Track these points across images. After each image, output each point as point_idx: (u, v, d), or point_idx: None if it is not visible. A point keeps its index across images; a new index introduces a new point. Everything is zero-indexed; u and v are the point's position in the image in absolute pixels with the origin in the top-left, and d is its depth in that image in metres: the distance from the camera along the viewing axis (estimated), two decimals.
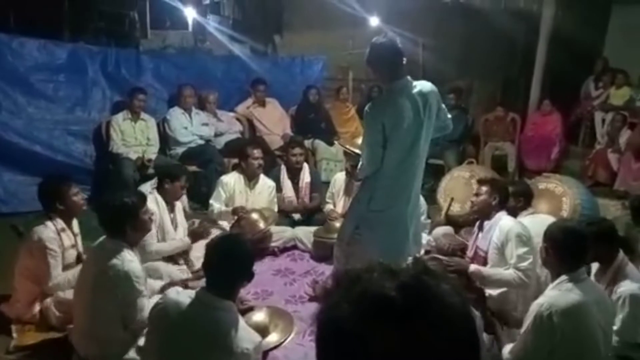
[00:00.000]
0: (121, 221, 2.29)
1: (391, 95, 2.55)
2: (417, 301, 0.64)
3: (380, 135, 2.52)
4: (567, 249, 2.10)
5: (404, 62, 2.54)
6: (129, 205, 2.31)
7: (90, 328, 2.27)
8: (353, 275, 0.69)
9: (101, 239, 2.38)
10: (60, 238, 2.63)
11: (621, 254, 2.48)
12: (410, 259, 2.59)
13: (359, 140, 2.94)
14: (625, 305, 2.33)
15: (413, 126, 2.54)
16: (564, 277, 2.08)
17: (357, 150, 2.95)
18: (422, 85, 2.60)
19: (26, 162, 4.46)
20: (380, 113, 2.52)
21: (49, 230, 2.58)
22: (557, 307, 1.99)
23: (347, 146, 3.48)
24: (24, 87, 4.55)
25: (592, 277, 2.52)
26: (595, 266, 2.58)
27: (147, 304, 2.23)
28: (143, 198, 2.49)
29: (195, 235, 3.37)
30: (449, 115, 2.85)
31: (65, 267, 2.65)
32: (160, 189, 3.29)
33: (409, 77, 2.58)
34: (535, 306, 2.06)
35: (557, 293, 2.07)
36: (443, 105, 2.75)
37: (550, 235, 2.17)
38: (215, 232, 3.52)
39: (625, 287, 2.36)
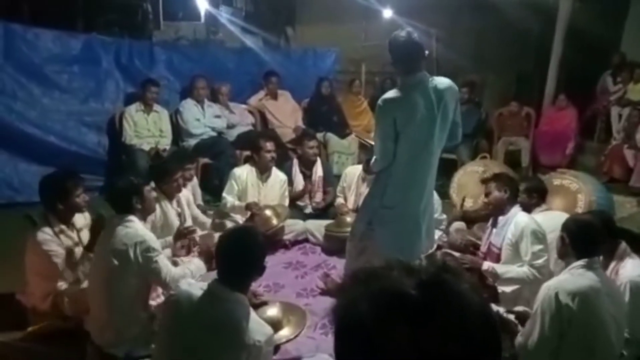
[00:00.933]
0: (128, 195, 2.41)
1: (405, 89, 2.52)
2: (437, 299, 0.63)
3: (392, 129, 2.50)
4: (581, 239, 2.18)
5: (424, 56, 2.51)
6: (133, 182, 2.48)
7: (107, 314, 2.31)
8: (371, 272, 0.69)
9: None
10: (59, 239, 2.60)
11: (623, 244, 2.49)
12: (423, 256, 2.57)
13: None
14: (625, 292, 2.32)
15: (426, 122, 2.51)
16: (576, 263, 2.15)
17: (373, 142, 2.95)
18: (439, 81, 2.56)
19: (41, 152, 4.51)
20: (392, 107, 2.49)
21: (44, 234, 2.55)
22: (565, 288, 2.03)
23: (364, 138, 3.46)
24: (38, 78, 4.59)
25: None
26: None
27: (168, 263, 2.33)
28: (147, 179, 2.66)
29: (180, 235, 3.14)
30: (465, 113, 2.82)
31: (76, 265, 2.63)
32: (159, 189, 3.22)
33: (426, 72, 2.55)
34: (544, 288, 2.11)
35: (567, 276, 2.14)
36: (459, 108, 2.70)
37: (566, 226, 2.28)
38: (228, 226, 3.54)
39: (626, 274, 2.36)
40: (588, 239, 2.19)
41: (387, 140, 2.55)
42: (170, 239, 3.09)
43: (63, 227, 2.65)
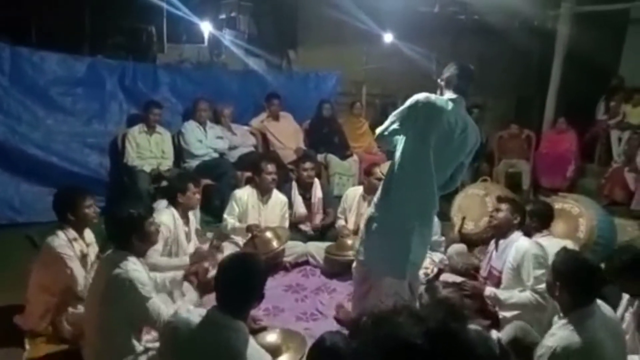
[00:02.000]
0: (127, 232, 2.29)
1: (442, 100, 2.54)
2: (444, 350, 0.63)
3: (409, 121, 2.50)
4: (579, 283, 1.99)
5: (467, 90, 2.59)
6: (134, 217, 2.31)
7: (101, 340, 2.26)
8: (379, 317, 0.69)
9: (109, 251, 2.39)
10: (72, 246, 2.65)
11: None
12: (423, 288, 2.50)
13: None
14: None
15: (442, 138, 2.49)
16: (573, 316, 1.98)
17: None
18: (469, 118, 2.62)
19: (43, 173, 4.53)
20: (423, 105, 2.48)
21: (59, 239, 2.61)
22: (567, 348, 1.89)
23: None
24: (43, 100, 4.64)
25: (621, 308, 2.42)
26: (625, 297, 2.44)
27: (161, 306, 2.23)
28: (149, 209, 2.49)
29: (199, 257, 3.18)
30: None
31: (87, 273, 2.65)
32: (175, 204, 3.27)
33: (463, 100, 2.58)
34: (545, 349, 1.94)
35: (567, 333, 1.95)
36: (472, 154, 2.71)
37: (560, 268, 2.05)
38: (228, 247, 3.53)
39: None
40: (587, 285, 1.99)
41: (397, 127, 2.54)
42: (180, 260, 3.11)
43: (76, 235, 2.71)
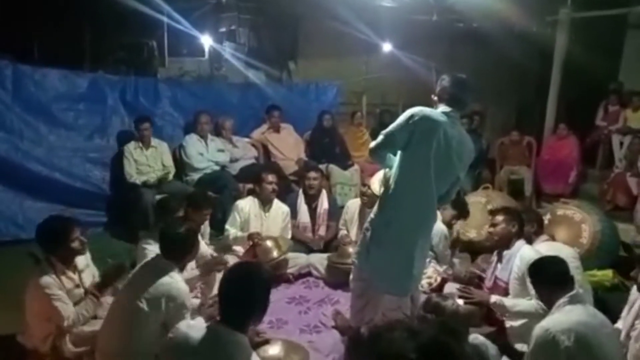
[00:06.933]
0: (184, 251, 2.49)
1: (438, 114, 2.51)
2: None
3: (405, 134, 2.45)
4: (548, 278, 2.26)
5: (464, 104, 2.57)
6: (191, 236, 2.53)
7: (123, 356, 2.27)
8: (375, 332, 0.69)
9: (151, 256, 2.56)
10: (61, 281, 2.58)
11: None
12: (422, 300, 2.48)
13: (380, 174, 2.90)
14: None
15: (439, 152, 2.45)
16: (561, 300, 2.14)
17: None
18: (465, 133, 2.60)
19: (46, 189, 4.55)
20: (419, 118, 2.43)
21: (48, 278, 2.52)
22: (559, 328, 2.00)
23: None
24: (45, 117, 4.67)
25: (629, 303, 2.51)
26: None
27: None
28: (194, 228, 2.68)
29: (207, 267, 3.19)
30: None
31: (74, 305, 2.58)
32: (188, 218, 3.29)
33: (458, 115, 2.56)
34: (538, 329, 2.07)
35: (558, 314, 2.11)
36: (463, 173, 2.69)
37: (530, 272, 2.38)
38: (229, 260, 3.52)
39: None
40: (554, 277, 2.22)
41: (392, 140, 2.50)
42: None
43: (64, 269, 2.63)
